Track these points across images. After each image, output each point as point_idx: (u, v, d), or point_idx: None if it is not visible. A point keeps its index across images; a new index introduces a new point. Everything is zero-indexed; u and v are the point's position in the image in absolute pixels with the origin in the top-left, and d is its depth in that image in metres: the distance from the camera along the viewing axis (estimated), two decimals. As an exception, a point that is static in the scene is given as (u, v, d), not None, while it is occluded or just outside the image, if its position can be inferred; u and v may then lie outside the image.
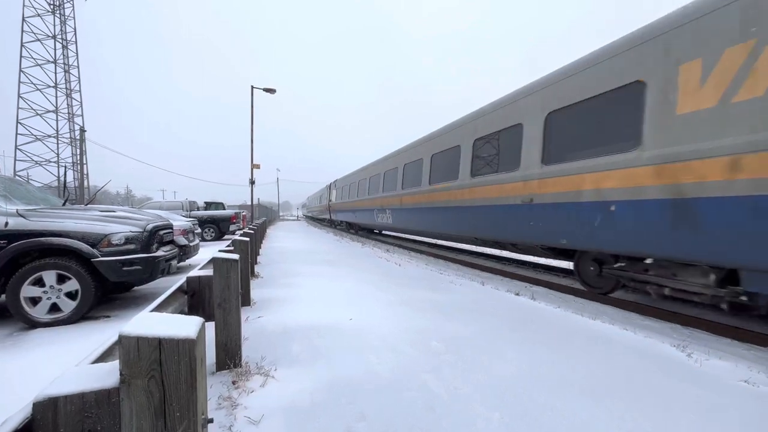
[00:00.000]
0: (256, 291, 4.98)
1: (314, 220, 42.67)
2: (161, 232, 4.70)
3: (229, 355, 2.54)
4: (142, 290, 5.41)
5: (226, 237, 15.02)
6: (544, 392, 2.29)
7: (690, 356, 2.91)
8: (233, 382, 2.35)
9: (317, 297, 4.70)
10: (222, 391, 2.25)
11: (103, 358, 1.26)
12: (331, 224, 28.52)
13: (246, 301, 4.24)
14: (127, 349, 0.91)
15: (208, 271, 2.72)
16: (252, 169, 17.36)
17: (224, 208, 16.35)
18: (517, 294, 5.10)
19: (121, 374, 0.93)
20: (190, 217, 13.10)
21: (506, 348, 3.03)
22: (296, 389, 2.30)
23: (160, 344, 0.93)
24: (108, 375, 0.98)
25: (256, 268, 6.81)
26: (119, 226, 4.13)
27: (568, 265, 8.21)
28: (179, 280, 2.64)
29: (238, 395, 2.20)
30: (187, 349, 0.96)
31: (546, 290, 5.87)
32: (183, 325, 0.99)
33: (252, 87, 17.39)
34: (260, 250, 10.10)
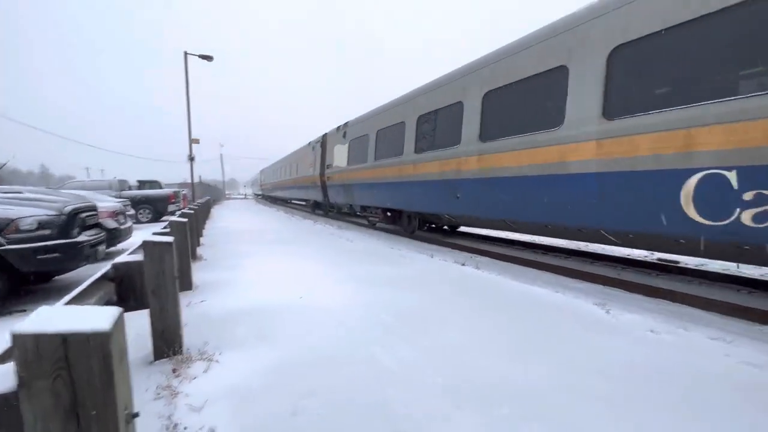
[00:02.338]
0: (198, 274, 4.72)
1: (274, 200, 32.06)
2: (83, 215, 4.23)
3: (168, 343, 2.41)
4: (66, 279, 4.90)
5: (165, 218, 13.97)
6: (485, 355, 2.46)
7: (608, 312, 3.28)
8: (173, 370, 2.24)
9: (265, 277, 4.57)
10: (160, 380, 2.14)
11: (2, 359, 1.11)
12: (316, 209, 17.97)
13: (187, 285, 4.01)
14: (24, 348, 0.81)
15: (139, 256, 2.51)
16: (190, 144, 16.08)
17: (161, 187, 15.11)
18: (463, 264, 5.36)
19: (19, 376, 0.82)
20: (120, 197, 11.96)
21: (452, 316, 3.19)
22: (242, 372, 2.25)
23: (65, 341, 0.83)
24: (4, 378, 0.87)
25: (199, 250, 6.44)
26: (29, 210, 3.65)
27: (506, 235, 8.74)
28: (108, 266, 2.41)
29: (178, 383, 2.10)
30: (100, 343, 0.87)
31: (489, 260, 6.24)
32: (93, 318, 0.90)
33: (185, 53, 15.78)
34: (203, 231, 9.55)
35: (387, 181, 8.65)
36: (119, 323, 0.96)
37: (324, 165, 13.49)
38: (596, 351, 2.51)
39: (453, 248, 7.40)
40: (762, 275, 4.86)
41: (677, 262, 5.53)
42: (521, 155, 5.02)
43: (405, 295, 3.81)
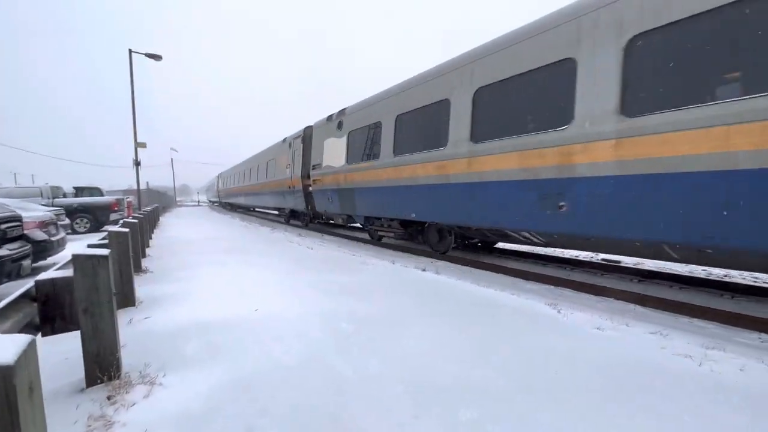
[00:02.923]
0: (143, 288, 4.36)
1: (233, 208, 29.38)
2: (3, 226, 3.76)
3: (103, 367, 2.17)
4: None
5: (106, 229, 12.88)
6: (444, 360, 2.47)
7: (559, 312, 3.44)
8: (108, 397, 2.02)
9: (219, 290, 4.32)
10: (93, 410, 1.91)
11: None
12: (292, 219, 15.30)
13: (129, 301, 3.68)
14: None
15: (68, 271, 2.25)
16: (136, 148, 14.99)
17: (101, 194, 13.96)
18: (424, 270, 5.41)
19: None
20: (53, 206, 10.88)
21: (412, 321, 3.19)
22: (190, 394, 2.08)
23: (-47, 378, 0.70)
24: None
25: (144, 262, 5.97)
26: (-67, 221, 3.18)
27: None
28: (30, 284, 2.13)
29: (114, 412, 1.89)
30: (1, 378, 0.74)
31: (447, 264, 6.36)
32: (-7, 349, 0.77)
33: (130, 51, 14.76)
34: (150, 241, 8.90)
35: (416, 183, 6.41)
36: (29, 353, 0.83)
37: (306, 165, 11.10)
38: (550, 350, 2.60)
39: (413, 254, 7.46)
40: (690, 272, 5.36)
41: (619, 262, 5.96)
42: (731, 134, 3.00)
43: (365, 302, 3.75)
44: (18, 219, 4.16)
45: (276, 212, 18.46)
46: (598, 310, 3.75)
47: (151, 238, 9.41)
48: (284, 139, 13.57)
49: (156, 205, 17.08)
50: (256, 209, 24.65)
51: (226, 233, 10.99)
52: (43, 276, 2.14)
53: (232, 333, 2.97)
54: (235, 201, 26.24)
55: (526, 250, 7.25)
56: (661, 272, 5.17)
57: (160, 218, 17.88)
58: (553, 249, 7.34)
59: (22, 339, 0.83)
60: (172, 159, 46.13)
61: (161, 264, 6.00)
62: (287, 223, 15.67)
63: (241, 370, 2.35)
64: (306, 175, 11.15)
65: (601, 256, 6.58)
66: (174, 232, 11.44)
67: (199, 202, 61.05)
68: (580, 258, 6.45)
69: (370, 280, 4.70)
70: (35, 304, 2.08)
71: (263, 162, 16.43)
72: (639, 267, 5.56)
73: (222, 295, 4.05)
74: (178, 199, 61.00)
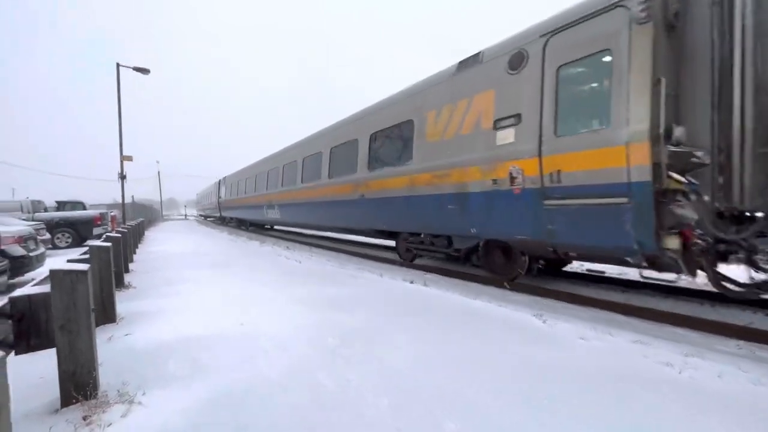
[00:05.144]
0: (125, 304, 4.26)
1: (242, 224, 20.98)
2: (-21, 242, 3.66)
3: (79, 386, 2.11)
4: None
5: (88, 243, 12.58)
6: (429, 373, 2.46)
7: (545, 322, 3.47)
8: (84, 418, 1.96)
9: (203, 305, 4.25)
10: (67, 431, 1.85)
11: None
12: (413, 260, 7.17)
13: (109, 317, 3.59)
14: None
15: (45, 287, 2.21)
16: (121, 162, 14.80)
17: (84, 208, 13.68)
18: (412, 282, 5.41)
19: None
20: (34, 219, 10.63)
21: (398, 335, 3.17)
22: (169, 412, 2.03)
23: None
24: None
25: (127, 277, 5.85)
26: None
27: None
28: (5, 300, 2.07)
29: (89, 432, 1.84)
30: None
31: (437, 276, 6.37)
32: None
33: (118, 65, 14.72)
34: (134, 255, 8.72)
35: None
36: (-3, 369, 0.82)
37: (686, 102, 3.41)
38: (536, 361, 2.62)
39: (401, 266, 7.46)
40: (672, 282, 5.47)
41: (603, 272, 6.06)
42: None
43: (352, 316, 3.73)
44: (-5, 234, 4.06)
45: (378, 239, 8.89)
46: (582, 319, 3.79)
47: (135, 252, 9.23)
48: (463, 63, 5.56)
49: (141, 219, 16.79)
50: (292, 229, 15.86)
51: (212, 248, 10.84)
52: (18, 292, 2.10)
53: (216, 349, 2.92)
54: (256, 217, 16.61)
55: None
56: (644, 282, 5.26)
57: (146, 232, 17.56)
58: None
59: (-9, 355, 0.82)
60: (159, 172, 45.65)
61: (145, 279, 5.88)
62: (408, 260, 7.44)
63: (224, 386, 2.31)
64: (658, 135, 3.35)
65: (585, 267, 6.68)
66: (160, 247, 11.23)
67: (186, 215, 60.08)
68: (566, 269, 6.53)
69: (357, 293, 4.67)
70: (9, 321, 2.03)
71: (349, 139, 8.20)
72: (622, 277, 5.66)
73: (207, 311, 3.98)
74: (164, 213, 59.94)
